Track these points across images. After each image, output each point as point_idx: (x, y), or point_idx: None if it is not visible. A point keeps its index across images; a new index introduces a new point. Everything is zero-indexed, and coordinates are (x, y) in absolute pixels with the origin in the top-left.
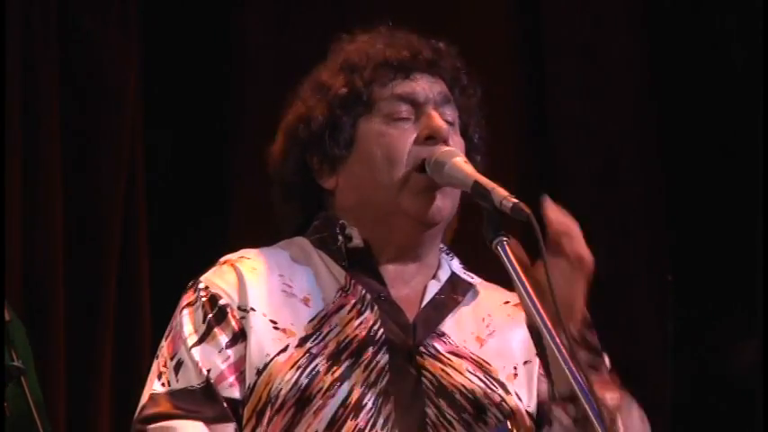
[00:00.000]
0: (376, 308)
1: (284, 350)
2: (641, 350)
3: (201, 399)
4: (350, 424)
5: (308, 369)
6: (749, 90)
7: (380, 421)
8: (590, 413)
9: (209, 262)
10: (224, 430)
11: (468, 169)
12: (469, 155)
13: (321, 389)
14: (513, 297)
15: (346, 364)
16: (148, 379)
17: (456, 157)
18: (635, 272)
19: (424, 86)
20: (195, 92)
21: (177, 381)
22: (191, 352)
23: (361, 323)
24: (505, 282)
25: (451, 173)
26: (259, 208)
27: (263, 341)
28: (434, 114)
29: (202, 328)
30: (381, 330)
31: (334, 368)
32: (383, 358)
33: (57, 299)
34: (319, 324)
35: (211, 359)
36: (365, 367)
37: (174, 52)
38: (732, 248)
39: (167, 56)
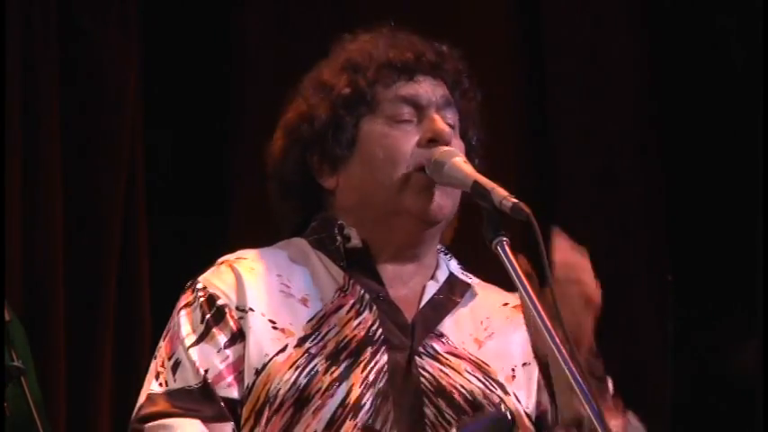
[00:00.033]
0: (375, 308)
1: (283, 350)
2: (641, 350)
3: (199, 398)
4: (348, 424)
5: (307, 369)
6: (749, 90)
7: (379, 421)
8: (590, 413)
9: (209, 262)
10: (222, 429)
11: (468, 169)
12: (468, 157)
13: (320, 389)
14: (511, 298)
15: (345, 364)
16: (146, 379)
17: (456, 156)
18: (635, 272)
19: (427, 89)
20: (195, 92)
21: (175, 381)
22: (188, 352)
23: (359, 323)
24: (504, 282)
25: (451, 172)
26: (259, 208)
27: (262, 341)
28: (437, 118)
29: (200, 328)
30: (380, 330)
31: (333, 368)
32: (382, 358)
33: (57, 299)
34: (318, 324)
35: (209, 359)
36: (364, 367)
37: (174, 52)
38: (732, 248)
39: (167, 56)
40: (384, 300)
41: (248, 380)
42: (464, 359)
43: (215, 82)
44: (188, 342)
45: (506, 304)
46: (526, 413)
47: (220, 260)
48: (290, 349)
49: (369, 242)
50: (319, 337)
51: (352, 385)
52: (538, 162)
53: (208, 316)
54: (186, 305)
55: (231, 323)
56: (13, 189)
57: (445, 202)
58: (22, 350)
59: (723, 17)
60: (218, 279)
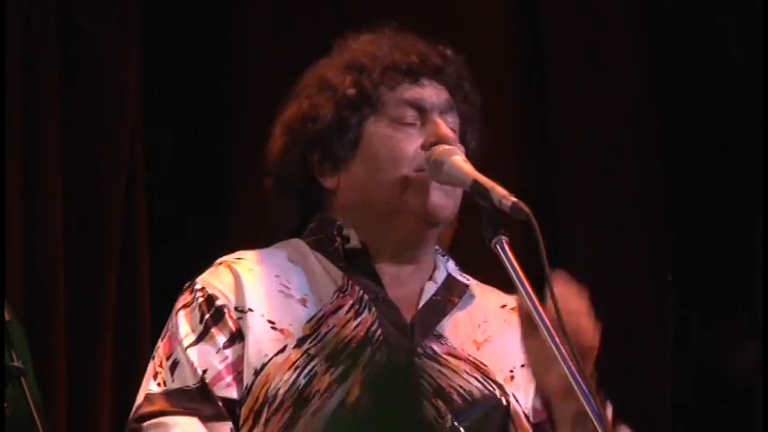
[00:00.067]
0: (374, 309)
1: (282, 350)
2: (641, 350)
3: (197, 398)
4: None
5: (307, 369)
6: (749, 90)
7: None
8: (590, 413)
9: (208, 262)
10: (220, 429)
11: (467, 168)
12: None
13: (319, 389)
14: (509, 300)
15: (344, 364)
16: (144, 379)
17: (455, 155)
18: (635, 272)
19: (431, 93)
20: (195, 92)
21: (173, 381)
22: (187, 352)
23: (358, 324)
24: (503, 283)
25: (450, 171)
26: (259, 208)
27: (262, 341)
28: (441, 122)
29: (199, 328)
30: (379, 331)
31: (333, 369)
32: (381, 359)
33: (57, 299)
34: (317, 324)
35: (208, 359)
36: (363, 368)
37: (174, 52)
38: (732, 248)
39: (167, 56)
40: (383, 300)
41: (247, 380)
42: (463, 360)
43: (215, 82)
44: (186, 342)
45: (504, 306)
46: (525, 414)
47: (219, 261)
48: (289, 350)
49: (368, 243)
50: (318, 338)
51: (352, 386)
52: (538, 162)
53: (207, 316)
54: (185, 306)
55: (230, 323)
56: (13, 189)
57: (447, 202)
58: (22, 350)
59: (723, 17)
60: (216, 280)
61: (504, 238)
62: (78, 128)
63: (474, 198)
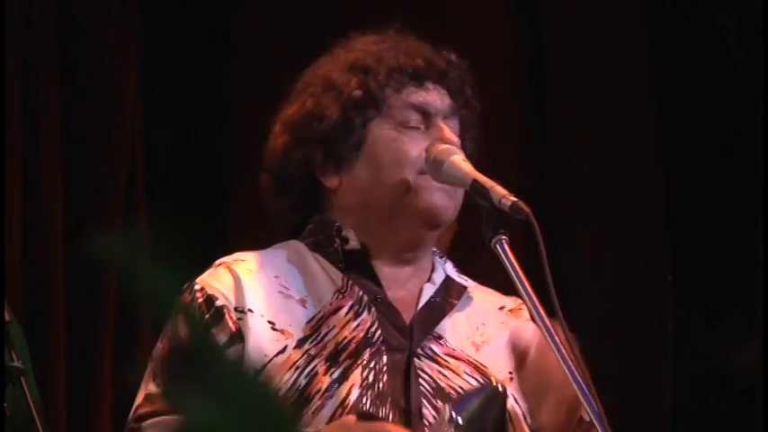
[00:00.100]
0: (373, 309)
1: (282, 351)
2: (641, 350)
3: None
4: None
5: (307, 370)
6: (749, 90)
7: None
8: (591, 413)
9: (208, 262)
10: None
11: (467, 167)
12: None
13: (320, 390)
14: (507, 301)
15: (344, 365)
16: (143, 380)
17: (455, 154)
18: (635, 272)
19: (436, 98)
20: (195, 92)
21: None
22: None
23: (358, 325)
24: (502, 283)
25: (450, 170)
26: (259, 208)
27: (262, 342)
28: (445, 127)
29: None
30: (379, 332)
31: (333, 369)
32: (381, 359)
33: (57, 299)
34: (317, 325)
35: None
36: (363, 368)
37: (174, 52)
38: (732, 248)
39: (167, 56)
40: (382, 301)
41: None
42: (462, 361)
43: (215, 82)
44: None
45: (502, 308)
46: (524, 415)
47: (218, 262)
48: (289, 350)
49: (368, 244)
50: (318, 339)
51: (352, 386)
52: (538, 162)
53: (206, 316)
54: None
55: (230, 324)
56: (13, 189)
57: (448, 204)
58: (21, 350)
59: (723, 17)
60: (215, 280)
61: (504, 238)
62: (78, 128)
63: (474, 197)
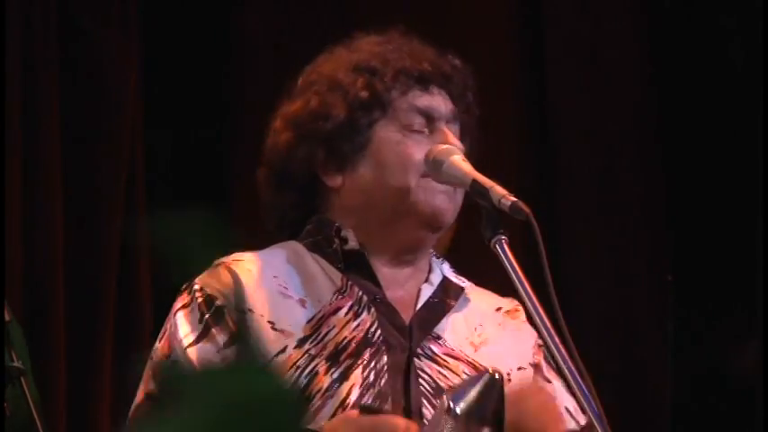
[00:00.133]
0: (372, 310)
1: (283, 351)
2: (641, 350)
3: None
4: None
5: (308, 369)
6: (749, 90)
7: None
8: (590, 413)
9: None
10: None
11: (467, 167)
12: None
13: (320, 389)
14: (504, 303)
15: (345, 364)
16: (142, 380)
17: (454, 154)
18: (635, 272)
19: (440, 102)
20: (195, 92)
21: None
22: (186, 352)
23: (358, 325)
24: (500, 283)
25: (450, 170)
26: (259, 208)
27: (264, 341)
28: (448, 132)
29: (199, 328)
30: (379, 332)
31: (333, 369)
32: (381, 359)
33: (57, 299)
34: (317, 325)
35: (208, 359)
36: (363, 368)
37: (174, 52)
38: (732, 248)
39: (167, 56)
40: (381, 302)
41: None
42: (461, 361)
43: (215, 82)
44: (186, 342)
45: (499, 309)
46: None
47: (216, 262)
48: (289, 350)
49: (367, 245)
50: (319, 338)
51: (352, 386)
52: (538, 162)
53: (207, 316)
54: (183, 306)
55: (230, 324)
56: (13, 189)
57: (449, 206)
58: (21, 350)
59: (723, 17)
60: (215, 280)
61: (504, 238)
62: (78, 128)
63: (473, 197)
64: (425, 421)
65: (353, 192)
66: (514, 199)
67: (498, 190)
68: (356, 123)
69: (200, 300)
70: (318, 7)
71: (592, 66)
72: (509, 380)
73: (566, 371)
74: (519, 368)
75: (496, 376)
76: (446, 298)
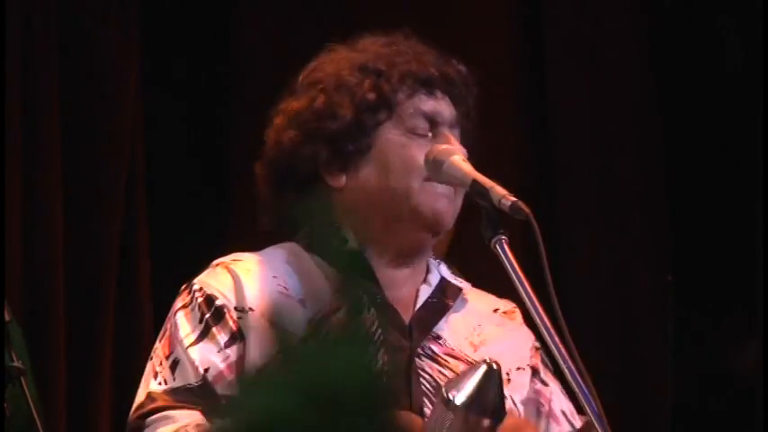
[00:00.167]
0: (372, 310)
1: None
2: (641, 350)
3: (201, 395)
4: None
5: None
6: (749, 90)
7: None
8: (590, 413)
9: (209, 262)
10: None
11: (467, 167)
12: None
13: None
14: (501, 304)
15: None
16: (143, 380)
17: (455, 155)
18: (635, 272)
19: (444, 107)
20: (195, 92)
21: (174, 379)
22: (187, 351)
23: None
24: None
25: (450, 171)
26: (257, 206)
27: (265, 340)
28: (452, 137)
29: (199, 327)
30: (379, 332)
31: None
32: (382, 359)
33: (57, 299)
34: (318, 325)
35: (210, 358)
36: None
37: (173, 52)
38: (732, 248)
39: (167, 56)
40: (381, 302)
41: None
42: (461, 360)
43: (215, 82)
44: (187, 342)
45: (497, 310)
46: (521, 415)
47: (215, 262)
48: None
49: (367, 245)
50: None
51: None
52: (538, 162)
53: (207, 315)
54: (183, 306)
55: (231, 323)
56: (13, 189)
57: (449, 210)
58: (20, 351)
59: (723, 17)
60: (214, 280)
61: (504, 238)
62: (78, 128)
63: (474, 198)
64: (426, 418)
65: (356, 192)
66: (514, 199)
67: (498, 190)
68: (362, 124)
69: (200, 299)
70: (318, 7)
71: (592, 66)
72: (508, 380)
73: (566, 371)
74: (518, 368)
75: (494, 366)
76: (444, 298)
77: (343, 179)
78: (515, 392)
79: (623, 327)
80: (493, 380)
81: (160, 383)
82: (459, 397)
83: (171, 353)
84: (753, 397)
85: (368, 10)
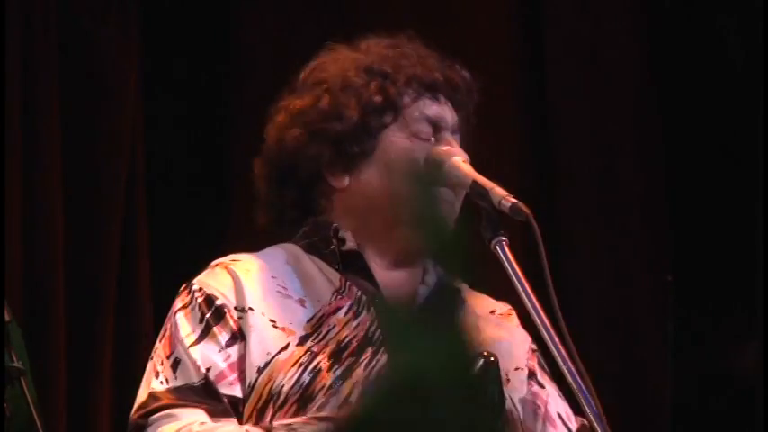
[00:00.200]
0: (372, 309)
1: (285, 348)
2: (641, 350)
3: (203, 394)
4: None
5: (310, 367)
6: (749, 90)
7: None
8: (590, 414)
9: (209, 262)
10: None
11: (467, 168)
12: None
13: (323, 386)
14: (498, 305)
15: (347, 362)
16: (144, 380)
17: (455, 156)
18: (635, 272)
19: (448, 113)
20: (195, 92)
21: (176, 378)
22: (189, 351)
23: (358, 324)
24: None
25: (450, 172)
26: (255, 203)
27: (265, 339)
28: (454, 142)
29: (200, 327)
30: (378, 331)
31: (336, 366)
32: (382, 358)
33: (57, 299)
34: (318, 324)
35: (211, 358)
36: (365, 366)
37: (174, 52)
38: (732, 248)
39: (167, 56)
40: (381, 302)
41: (250, 378)
42: None
43: (215, 82)
44: (188, 342)
45: (494, 311)
46: (520, 421)
47: (214, 263)
48: (291, 347)
49: (366, 247)
50: (320, 336)
51: (355, 383)
52: (538, 162)
53: (207, 315)
54: (183, 307)
55: (231, 323)
56: (13, 189)
57: (451, 215)
58: (20, 351)
59: (723, 17)
60: (213, 280)
61: (504, 240)
62: (78, 128)
63: (473, 199)
64: None
65: (358, 194)
66: (515, 200)
67: (498, 191)
68: (368, 126)
69: (200, 299)
70: (318, 7)
71: (592, 66)
72: (507, 380)
73: (565, 372)
74: (516, 369)
75: (491, 358)
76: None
77: (345, 180)
78: (514, 392)
79: (623, 327)
80: (490, 371)
81: (162, 382)
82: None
83: (172, 352)
84: (753, 397)
85: (368, 10)
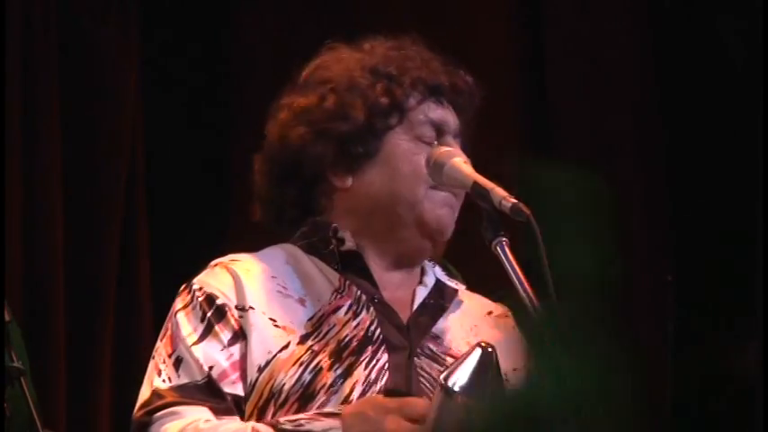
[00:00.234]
0: (371, 309)
1: (286, 347)
2: (641, 350)
3: (206, 392)
4: None
5: (311, 365)
6: (749, 90)
7: None
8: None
9: (209, 262)
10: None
11: (467, 169)
12: None
13: (324, 385)
14: (495, 307)
15: (348, 361)
16: (146, 378)
17: (455, 157)
18: (635, 272)
19: (451, 117)
20: (195, 92)
21: (179, 376)
22: (191, 350)
23: (358, 324)
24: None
25: (451, 173)
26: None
27: (266, 338)
28: (456, 145)
29: (201, 326)
30: (378, 331)
31: (336, 365)
32: (382, 357)
33: (57, 299)
34: (318, 323)
35: (213, 356)
36: (366, 365)
37: (173, 52)
38: (732, 248)
39: (167, 56)
40: (380, 302)
41: (251, 377)
42: None
43: (215, 82)
44: (190, 341)
45: (490, 313)
46: None
47: (214, 263)
48: (292, 346)
49: (366, 247)
50: (321, 336)
51: (355, 383)
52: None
53: (209, 314)
54: (184, 306)
55: (232, 321)
56: (13, 189)
57: (451, 219)
58: (20, 351)
59: (723, 17)
60: (214, 280)
61: (505, 240)
62: (78, 128)
63: (474, 199)
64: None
65: (360, 195)
66: (515, 201)
67: (499, 192)
68: (373, 127)
69: (200, 299)
70: (318, 7)
71: (592, 66)
72: (506, 380)
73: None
74: (514, 369)
75: (488, 349)
76: (441, 300)
77: (348, 181)
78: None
79: (623, 327)
80: (489, 363)
81: (165, 381)
82: (457, 383)
83: (174, 351)
84: (753, 397)
85: (368, 10)
